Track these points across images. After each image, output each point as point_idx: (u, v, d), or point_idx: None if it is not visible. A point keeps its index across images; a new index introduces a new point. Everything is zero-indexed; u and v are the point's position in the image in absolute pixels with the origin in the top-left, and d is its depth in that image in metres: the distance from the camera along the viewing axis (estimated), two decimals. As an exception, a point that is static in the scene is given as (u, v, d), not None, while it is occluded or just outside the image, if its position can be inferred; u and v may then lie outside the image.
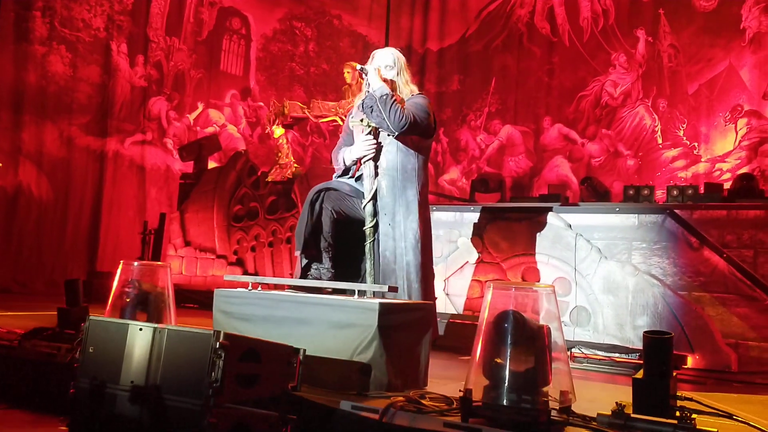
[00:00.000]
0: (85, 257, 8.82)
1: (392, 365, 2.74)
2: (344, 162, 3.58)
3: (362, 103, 3.39)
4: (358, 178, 3.52)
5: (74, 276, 5.00)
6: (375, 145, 3.40)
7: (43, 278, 8.19)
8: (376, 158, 3.41)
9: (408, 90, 3.48)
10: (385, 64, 3.49)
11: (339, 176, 3.64)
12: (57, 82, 8.68)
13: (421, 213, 3.38)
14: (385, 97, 3.28)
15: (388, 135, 3.37)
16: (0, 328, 3.61)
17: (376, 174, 3.39)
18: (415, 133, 3.37)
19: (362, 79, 3.45)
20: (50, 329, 3.36)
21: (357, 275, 3.48)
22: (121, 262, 3.44)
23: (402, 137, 3.36)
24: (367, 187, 3.38)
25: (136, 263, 3.47)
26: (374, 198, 3.37)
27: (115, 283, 3.38)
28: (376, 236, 3.37)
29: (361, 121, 3.39)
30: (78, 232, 8.81)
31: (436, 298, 3.58)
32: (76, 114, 8.90)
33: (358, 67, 3.47)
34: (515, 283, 2.93)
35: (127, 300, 3.28)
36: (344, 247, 3.46)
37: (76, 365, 2.45)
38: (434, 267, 3.74)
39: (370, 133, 3.40)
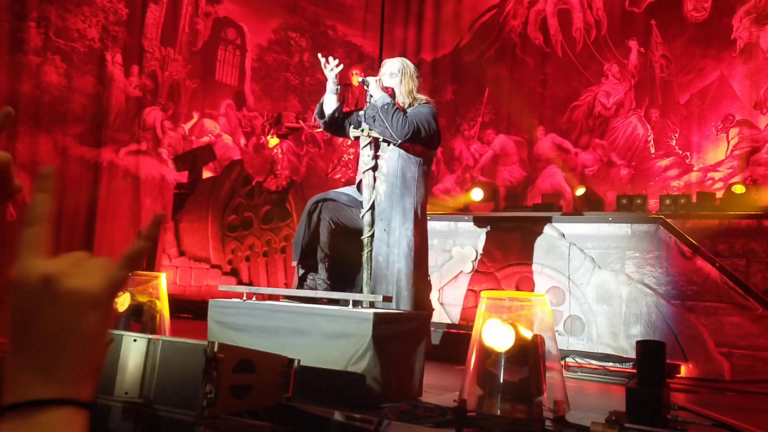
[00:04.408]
0: (79, 267, 8.78)
1: (387, 375, 2.74)
2: (322, 107, 3.54)
3: (364, 114, 3.39)
4: (358, 187, 3.52)
5: (68, 286, 4.99)
6: (373, 155, 3.41)
7: (36, 288, 8.15)
8: (374, 168, 3.41)
9: (410, 99, 3.48)
10: (390, 72, 3.50)
11: (320, 116, 3.58)
12: (51, 93, 8.68)
13: (418, 222, 3.38)
14: (386, 106, 3.29)
15: (392, 144, 3.37)
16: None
17: (375, 183, 3.40)
18: (419, 142, 3.37)
19: (366, 89, 3.47)
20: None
21: (354, 285, 3.48)
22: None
23: (405, 145, 3.36)
24: (365, 197, 3.38)
25: (130, 273, 3.46)
26: (372, 208, 3.37)
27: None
28: (373, 245, 3.38)
29: (362, 130, 3.40)
30: (72, 242, 8.79)
31: (433, 309, 3.58)
32: (70, 124, 8.90)
33: (360, 79, 3.47)
34: (509, 294, 2.94)
35: (122, 310, 3.29)
36: (342, 256, 3.47)
37: (69, 376, 2.44)
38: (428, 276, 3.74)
39: (369, 144, 3.41)
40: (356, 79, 3.47)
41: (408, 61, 3.61)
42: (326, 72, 3.49)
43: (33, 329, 0.55)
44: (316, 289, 3.39)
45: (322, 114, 3.55)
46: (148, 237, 0.65)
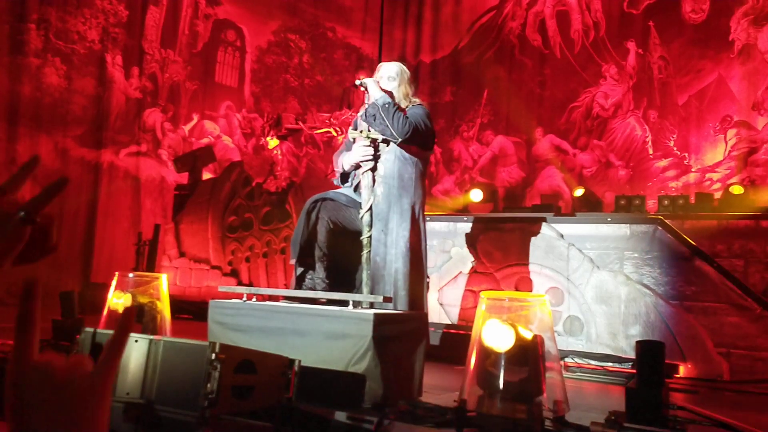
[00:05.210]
0: (80, 268, 8.80)
1: (387, 376, 2.76)
2: (342, 166, 3.63)
3: (365, 113, 3.41)
4: (356, 188, 3.54)
5: (69, 287, 5.00)
6: (372, 156, 3.42)
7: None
8: (373, 169, 3.43)
9: (407, 102, 3.52)
10: (388, 75, 3.54)
11: (338, 181, 3.71)
12: (52, 94, 8.69)
13: (415, 223, 3.40)
14: (387, 105, 3.32)
15: (392, 142, 3.39)
16: (-6, 341, 3.59)
17: (374, 184, 3.42)
18: (417, 142, 3.40)
19: (366, 92, 3.49)
20: (45, 341, 3.36)
21: (353, 285, 3.50)
22: (117, 273, 3.45)
23: (402, 146, 3.39)
24: (364, 198, 3.40)
25: (131, 275, 3.48)
26: (371, 208, 3.39)
27: (110, 295, 3.39)
28: (372, 246, 3.39)
29: (361, 132, 3.41)
30: (73, 243, 8.80)
31: (427, 309, 3.60)
32: (70, 126, 8.92)
33: (357, 82, 3.50)
34: (509, 294, 2.95)
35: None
36: (340, 256, 3.48)
37: (71, 377, 2.45)
38: (428, 277, 3.75)
39: (369, 144, 3.42)
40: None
41: (404, 67, 3.66)
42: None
43: (42, 413, 0.67)
44: (314, 288, 3.40)
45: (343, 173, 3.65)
46: (123, 328, 0.75)
